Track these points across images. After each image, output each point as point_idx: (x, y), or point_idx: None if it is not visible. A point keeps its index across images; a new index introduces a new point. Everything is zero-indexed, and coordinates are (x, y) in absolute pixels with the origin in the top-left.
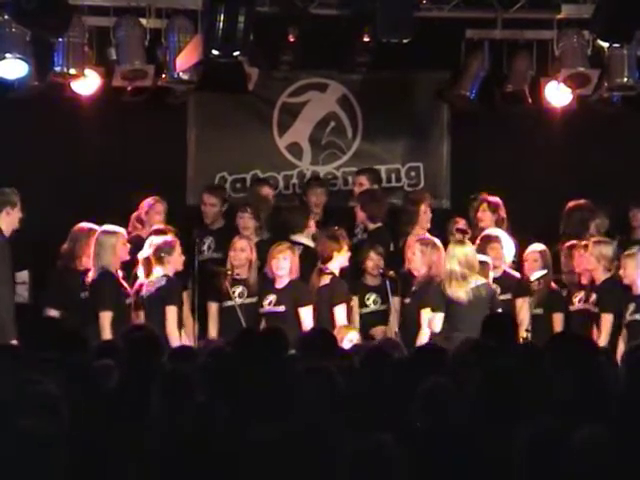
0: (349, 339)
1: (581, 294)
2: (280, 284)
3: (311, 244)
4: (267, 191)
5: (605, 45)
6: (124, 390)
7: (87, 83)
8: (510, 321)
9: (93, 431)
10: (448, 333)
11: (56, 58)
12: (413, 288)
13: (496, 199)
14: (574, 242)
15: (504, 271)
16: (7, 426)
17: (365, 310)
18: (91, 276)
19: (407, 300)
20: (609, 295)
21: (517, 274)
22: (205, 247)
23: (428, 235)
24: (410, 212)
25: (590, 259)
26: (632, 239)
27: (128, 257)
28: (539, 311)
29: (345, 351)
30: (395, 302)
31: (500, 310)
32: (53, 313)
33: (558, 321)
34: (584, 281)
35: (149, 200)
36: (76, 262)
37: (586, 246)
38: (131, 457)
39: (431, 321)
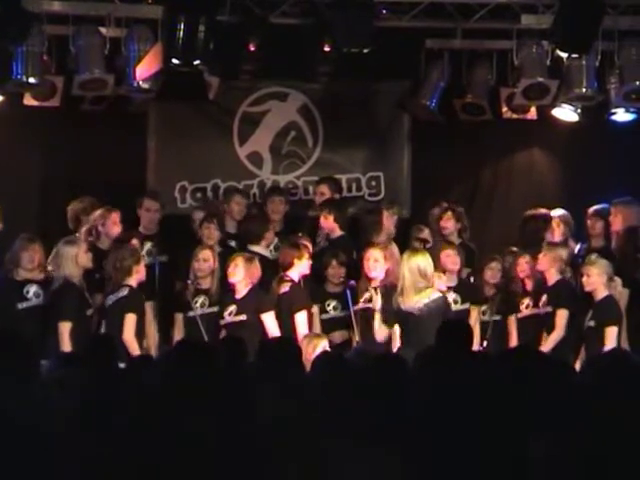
0: (323, 347)
1: (527, 300)
2: (239, 294)
3: (268, 255)
4: (239, 200)
5: (564, 55)
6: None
7: None
8: (465, 329)
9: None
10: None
11: (15, 67)
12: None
13: (460, 208)
14: (516, 249)
15: (460, 279)
16: None
17: (325, 316)
18: (53, 286)
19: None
20: (562, 293)
21: (471, 281)
22: (144, 252)
23: (387, 242)
24: (373, 221)
25: (544, 261)
26: (590, 247)
27: (91, 265)
28: (497, 318)
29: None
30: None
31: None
32: None
33: (512, 324)
34: (528, 287)
35: (101, 211)
36: (14, 272)
37: (534, 255)
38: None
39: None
